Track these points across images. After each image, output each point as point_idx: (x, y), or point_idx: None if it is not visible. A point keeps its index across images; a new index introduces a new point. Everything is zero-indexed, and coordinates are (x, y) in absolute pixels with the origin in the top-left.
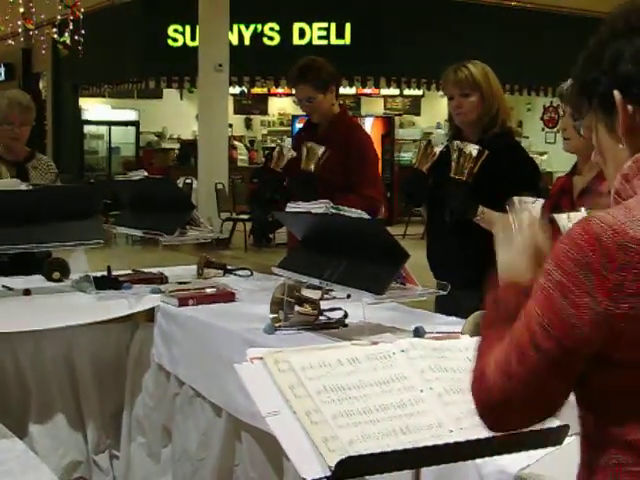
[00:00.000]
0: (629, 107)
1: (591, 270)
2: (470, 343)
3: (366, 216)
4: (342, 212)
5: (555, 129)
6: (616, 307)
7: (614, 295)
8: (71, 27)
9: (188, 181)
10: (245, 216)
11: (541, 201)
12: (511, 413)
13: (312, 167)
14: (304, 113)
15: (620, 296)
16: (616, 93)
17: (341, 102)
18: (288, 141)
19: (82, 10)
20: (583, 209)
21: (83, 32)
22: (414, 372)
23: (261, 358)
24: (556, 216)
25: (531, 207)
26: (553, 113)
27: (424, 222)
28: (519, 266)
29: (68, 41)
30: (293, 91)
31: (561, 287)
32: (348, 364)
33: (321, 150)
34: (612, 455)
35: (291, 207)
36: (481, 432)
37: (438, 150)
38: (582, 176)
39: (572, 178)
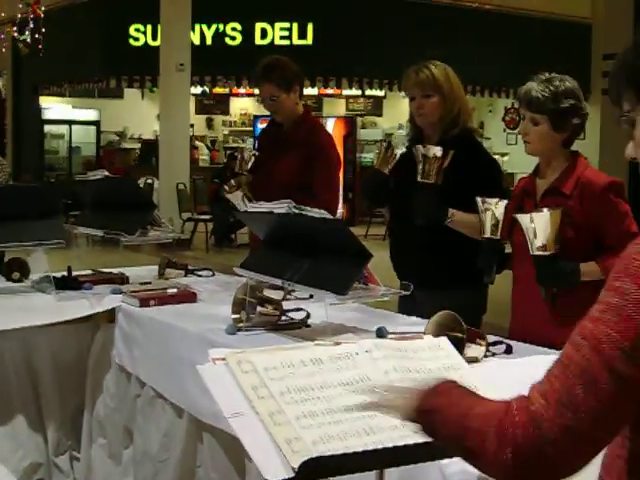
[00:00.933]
0: None
1: None
2: (433, 343)
3: (328, 216)
4: (304, 212)
5: (516, 130)
6: None
7: None
8: (32, 25)
9: (149, 181)
10: (206, 216)
11: (504, 202)
12: (562, 459)
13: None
14: (266, 113)
15: None
16: None
17: (305, 103)
18: (250, 141)
19: (43, 8)
20: (545, 209)
21: (44, 31)
22: (378, 373)
23: (224, 359)
24: (519, 216)
25: (494, 207)
26: (514, 114)
27: (386, 223)
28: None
29: (28, 40)
30: (257, 90)
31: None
32: (311, 365)
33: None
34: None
35: (253, 207)
36: None
37: (398, 152)
38: (545, 179)
39: (534, 179)
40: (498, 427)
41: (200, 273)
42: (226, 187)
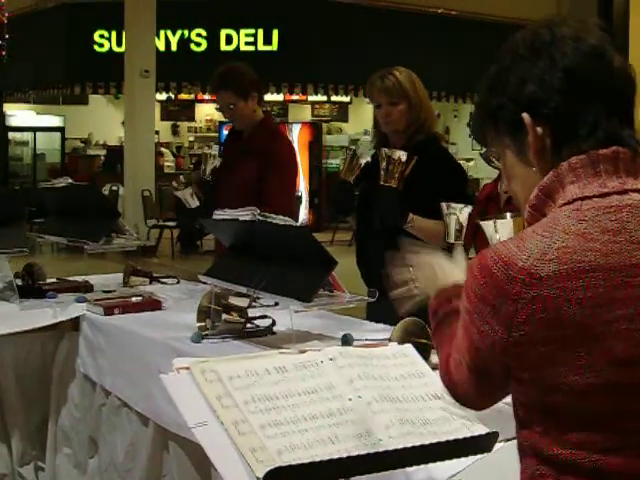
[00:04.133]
0: (538, 129)
1: (486, 302)
2: (398, 350)
3: (293, 223)
4: (269, 219)
5: None
6: (509, 335)
7: (507, 324)
8: None
9: (114, 188)
10: (172, 223)
11: (469, 207)
12: (464, 399)
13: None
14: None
15: (513, 324)
16: (525, 116)
17: (266, 109)
18: (215, 147)
19: (7, 15)
20: (509, 215)
21: (7, 37)
22: (342, 381)
23: (187, 368)
24: (483, 223)
25: (459, 213)
26: None
27: (352, 229)
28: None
29: None
30: (215, 98)
31: (469, 314)
32: (276, 373)
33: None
34: (536, 466)
35: (218, 214)
36: (410, 440)
37: (364, 161)
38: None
39: (498, 185)
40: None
41: (165, 280)
42: (174, 184)
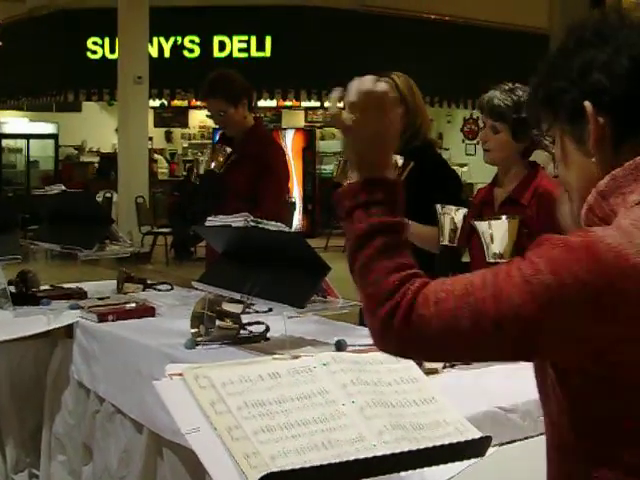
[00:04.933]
0: (600, 119)
1: (587, 286)
2: (391, 356)
3: (286, 229)
4: (262, 225)
5: (475, 141)
6: (601, 328)
7: (602, 316)
8: None
9: (108, 195)
10: (166, 230)
11: (464, 209)
12: (421, 352)
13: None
14: None
15: (608, 318)
16: (587, 104)
17: (257, 115)
18: (208, 153)
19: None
20: (504, 217)
21: (0, 44)
22: (336, 386)
23: (180, 374)
24: (477, 223)
25: (454, 214)
26: (473, 125)
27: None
28: (369, 158)
29: None
30: (204, 104)
31: (548, 292)
32: (269, 379)
33: (227, 151)
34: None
35: (211, 220)
36: (404, 445)
37: None
38: (502, 188)
39: (493, 189)
40: (389, 309)
41: (159, 287)
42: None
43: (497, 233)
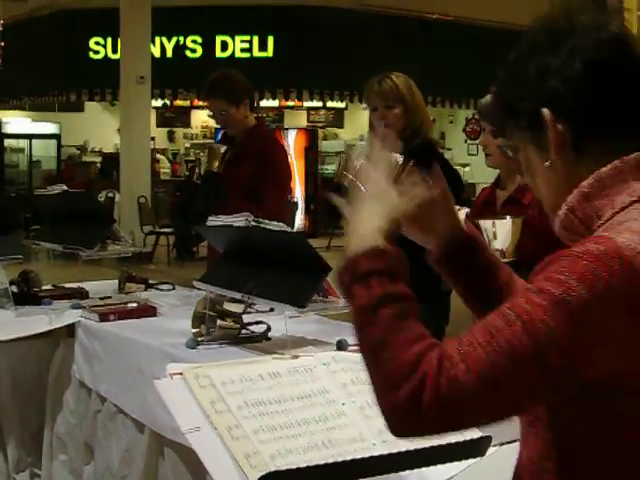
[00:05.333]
0: (559, 125)
1: (624, 296)
2: None
3: (287, 229)
4: (263, 225)
5: (477, 141)
6: (636, 333)
7: (637, 321)
8: None
9: (110, 195)
10: (168, 229)
11: (465, 209)
12: (459, 421)
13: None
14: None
15: None
16: (545, 111)
17: (258, 115)
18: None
19: (2, 22)
20: (509, 217)
21: (3, 44)
22: (336, 385)
23: (181, 374)
24: (481, 221)
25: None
26: (475, 125)
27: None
28: (369, 226)
29: None
30: (206, 104)
31: (585, 305)
32: (269, 378)
33: (223, 149)
34: None
35: (212, 220)
36: (403, 445)
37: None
38: (505, 189)
39: (495, 190)
40: (414, 383)
41: (160, 287)
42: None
43: (500, 231)
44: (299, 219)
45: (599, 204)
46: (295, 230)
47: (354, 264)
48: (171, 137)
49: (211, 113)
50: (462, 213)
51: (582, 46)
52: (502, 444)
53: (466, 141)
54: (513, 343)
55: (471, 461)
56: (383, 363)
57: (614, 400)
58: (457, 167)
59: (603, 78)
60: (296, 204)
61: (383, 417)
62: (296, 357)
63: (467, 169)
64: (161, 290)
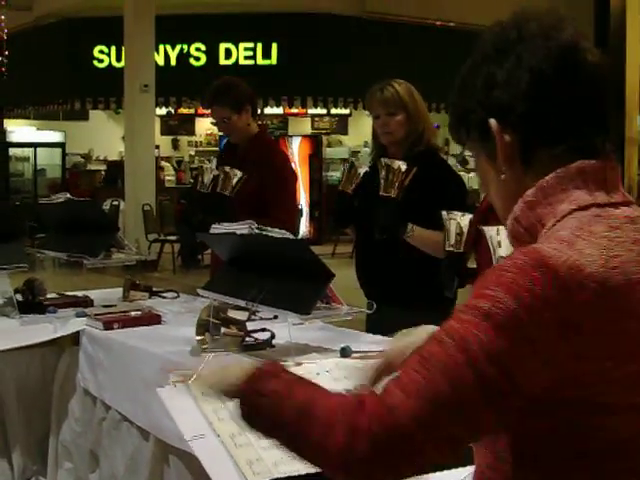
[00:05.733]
0: (506, 136)
1: (549, 305)
2: None
3: (290, 236)
4: (266, 232)
5: None
6: (570, 346)
7: (569, 333)
8: None
9: (115, 203)
10: (173, 237)
11: (469, 215)
12: (411, 450)
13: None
14: None
15: (575, 335)
16: (492, 122)
17: (261, 122)
18: (214, 161)
19: (6, 31)
20: None
21: (7, 53)
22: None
23: (184, 381)
24: (485, 228)
25: (460, 219)
26: None
27: (353, 241)
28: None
29: None
30: (208, 112)
31: (515, 317)
32: None
33: (237, 176)
34: None
35: (215, 228)
36: None
37: (362, 171)
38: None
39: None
40: (350, 419)
41: (164, 295)
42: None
43: (505, 239)
44: (304, 226)
45: (542, 213)
46: (299, 237)
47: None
48: (175, 145)
49: (214, 121)
50: (466, 219)
51: (528, 56)
52: None
53: None
54: (447, 362)
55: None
56: (308, 434)
57: (560, 412)
58: (462, 173)
59: (548, 88)
60: (301, 211)
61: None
62: (299, 364)
63: (472, 175)
64: (165, 298)
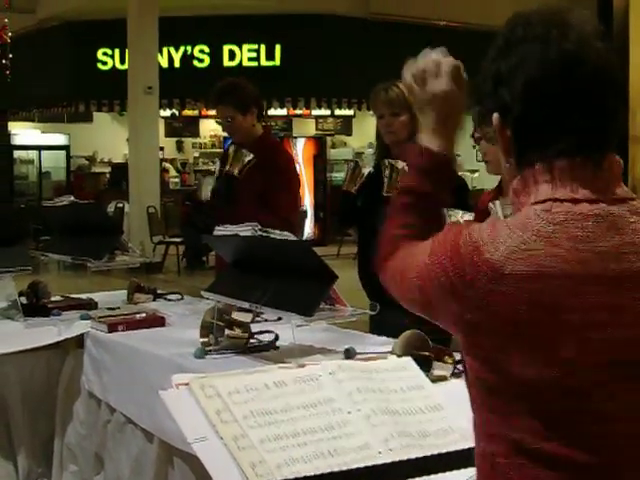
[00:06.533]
0: (507, 131)
1: (446, 273)
2: (397, 363)
3: (293, 237)
4: (269, 234)
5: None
6: (463, 312)
7: (461, 302)
8: None
9: (120, 205)
10: (178, 239)
11: (471, 214)
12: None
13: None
14: None
15: (465, 305)
16: (495, 116)
17: (264, 123)
18: (219, 164)
19: (10, 34)
20: None
21: (11, 56)
22: (341, 394)
23: (187, 384)
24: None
25: (460, 218)
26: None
27: (355, 240)
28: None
29: None
30: (213, 112)
31: (426, 269)
32: (275, 388)
33: (248, 157)
34: (487, 445)
35: (219, 230)
36: (410, 453)
37: (366, 171)
38: (507, 197)
39: (498, 196)
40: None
41: (169, 297)
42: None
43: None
44: (308, 227)
45: (523, 200)
46: (302, 238)
47: (412, 152)
48: (180, 147)
49: (219, 120)
50: (467, 217)
51: (527, 58)
52: None
53: (474, 147)
54: (410, 264)
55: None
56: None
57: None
58: (466, 173)
59: (540, 95)
60: (305, 212)
61: None
62: (302, 366)
63: (476, 175)
64: (169, 300)
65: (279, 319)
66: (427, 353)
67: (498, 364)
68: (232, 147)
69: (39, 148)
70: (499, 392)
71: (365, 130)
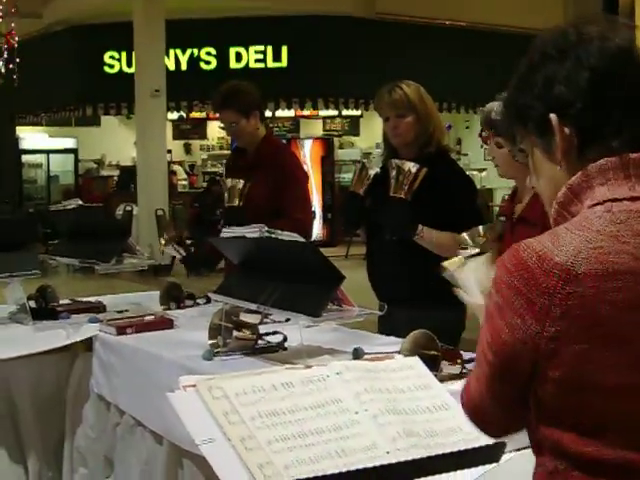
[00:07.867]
0: (566, 129)
1: (520, 295)
2: (404, 363)
3: (299, 239)
4: (276, 236)
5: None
6: (543, 329)
7: (542, 318)
8: (6, 55)
9: (128, 208)
10: (186, 242)
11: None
12: (483, 421)
13: (236, 202)
14: None
15: (549, 318)
16: (552, 116)
17: (268, 126)
18: (224, 172)
19: (17, 39)
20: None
21: (18, 60)
22: (349, 394)
23: (194, 386)
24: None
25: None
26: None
27: (364, 242)
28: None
29: (3, 70)
30: (217, 116)
31: (499, 308)
32: (282, 389)
33: (241, 184)
34: (556, 462)
35: (226, 232)
36: (417, 452)
37: (373, 172)
38: (521, 203)
39: (512, 205)
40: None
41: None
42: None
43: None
44: (317, 228)
45: (574, 210)
46: (308, 240)
47: None
48: (188, 149)
49: (222, 125)
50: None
51: (588, 55)
52: (517, 450)
53: (482, 146)
54: (479, 357)
55: (486, 467)
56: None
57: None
58: (474, 172)
59: (605, 85)
60: (314, 213)
61: None
62: (309, 367)
63: (484, 174)
64: (198, 304)
65: (287, 320)
66: (435, 352)
67: (579, 378)
68: (225, 181)
69: (47, 152)
70: (581, 410)
71: (373, 130)
